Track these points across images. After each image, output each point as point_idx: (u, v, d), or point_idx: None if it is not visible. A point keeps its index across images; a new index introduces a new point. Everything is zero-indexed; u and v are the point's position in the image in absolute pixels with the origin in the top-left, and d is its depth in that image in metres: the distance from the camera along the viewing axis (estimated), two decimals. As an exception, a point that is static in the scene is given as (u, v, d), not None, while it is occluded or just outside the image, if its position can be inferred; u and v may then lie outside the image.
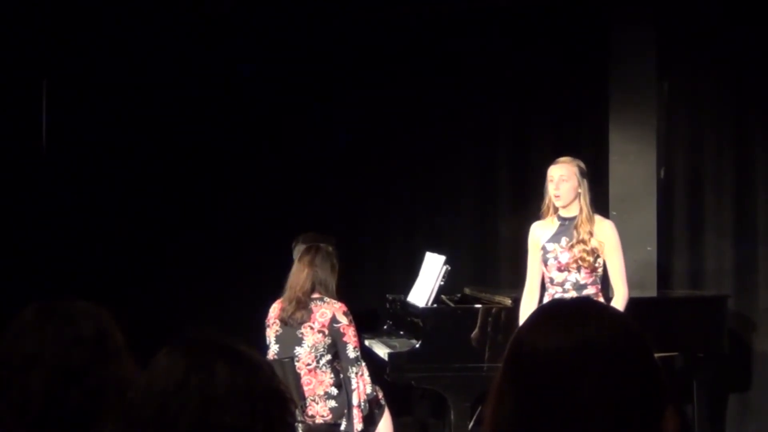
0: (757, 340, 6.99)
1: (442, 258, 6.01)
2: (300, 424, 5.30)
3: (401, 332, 6.41)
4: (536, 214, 5.47)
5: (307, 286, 5.44)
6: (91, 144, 7.46)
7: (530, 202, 6.35)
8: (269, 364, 1.63)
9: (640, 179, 6.90)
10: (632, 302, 5.21)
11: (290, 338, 5.43)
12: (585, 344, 1.46)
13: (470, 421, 5.69)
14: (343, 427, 5.39)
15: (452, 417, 5.71)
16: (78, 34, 7.33)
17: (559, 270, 5.25)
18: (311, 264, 5.48)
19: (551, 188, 5.30)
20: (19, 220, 7.17)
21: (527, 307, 5.31)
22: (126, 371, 2.05)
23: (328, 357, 5.40)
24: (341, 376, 5.41)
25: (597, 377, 1.43)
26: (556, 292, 5.26)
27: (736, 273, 7.04)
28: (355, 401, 5.35)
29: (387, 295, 6.80)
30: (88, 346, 2.06)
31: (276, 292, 5.58)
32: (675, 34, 7.10)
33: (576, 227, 5.24)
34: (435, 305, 5.93)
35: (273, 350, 5.47)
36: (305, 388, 5.37)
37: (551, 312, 1.57)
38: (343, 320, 5.40)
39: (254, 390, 1.53)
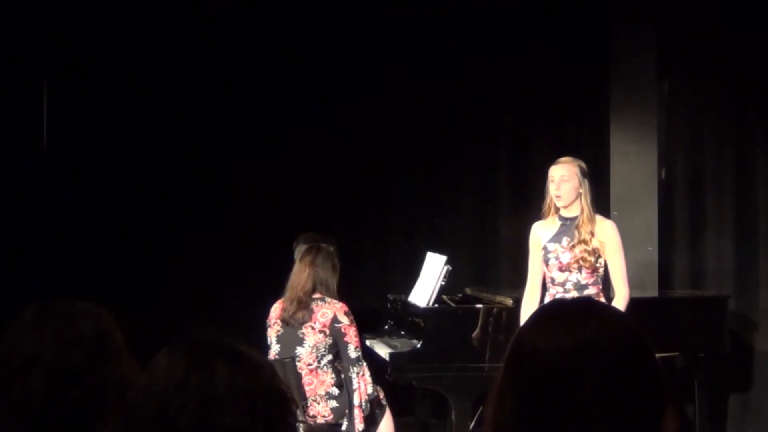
0: (758, 340, 6.99)
1: (443, 258, 6.01)
2: (301, 425, 5.30)
3: (402, 332, 6.40)
4: (537, 214, 5.47)
5: (308, 286, 5.44)
6: (92, 144, 7.47)
7: (531, 202, 6.35)
8: (270, 364, 1.63)
9: (640, 179, 6.90)
10: (633, 302, 5.21)
11: (291, 338, 5.43)
12: (586, 344, 1.46)
13: (471, 421, 5.69)
14: (344, 427, 5.38)
15: (453, 417, 5.71)
16: (78, 34, 7.33)
17: (560, 270, 5.25)
18: (312, 264, 5.48)
19: (552, 188, 5.29)
20: (20, 219, 7.17)
21: (528, 307, 5.31)
22: (126, 371, 2.05)
23: (330, 357, 5.40)
24: (342, 376, 5.40)
25: (598, 377, 1.43)
26: (557, 292, 5.26)
27: (737, 273, 7.04)
28: (356, 401, 5.35)
29: (388, 295, 6.80)
30: (88, 346, 2.06)
31: (277, 292, 5.58)
32: (675, 34, 7.10)
33: (577, 227, 5.24)
34: (436, 305, 5.93)
35: (274, 350, 5.47)
36: (306, 388, 5.37)
37: (552, 312, 1.57)
38: (345, 320, 5.40)
39: (254, 390, 1.53)
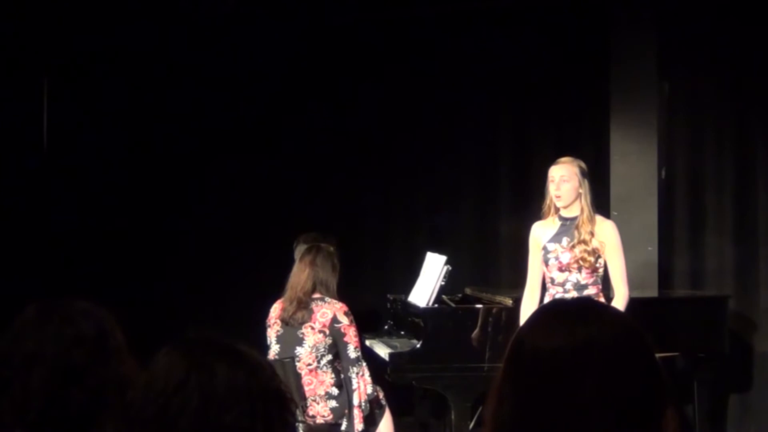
0: (758, 340, 6.99)
1: (443, 258, 6.01)
2: (301, 424, 5.30)
3: (402, 332, 6.40)
4: (537, 214, 5.46)
5: (308, 286, 5.44)
6: (92, 144, 7.47)
7: (531, 202, 6.35)
8: (270, 364, 1.63)
9: (640, 179, 6.90)
10: (633, 302, 5.21)
11: (291, 338, 5.43)
12: (586, 344, 1.46)
13: (471, 422, 5.69)
14: (343, 427, 5.38)
15: (453, 417, 5.71)
16: (78, 34, 7.33)
17: (560, 270, 5.25)
18: (312, 264, 5.48)
19: (552, 189, 5.29)
20: (20, 219, 7.17)
21: (528, 307, 5.31)
22: (126, 371, 2.05)
23: (329, 357, 5.39)
24: (342, 376, 5.40)
25: (598, 377, 1.43)
26: (557, 293, 5.26)
27: (737, 273, 7.04)
28: (355, 401, 5.35)
29: (388, 295, 6.79)
30: (88, 346, 2.06)
31: (276, 292, 5.58)
32: (675, 34, 7.10)
33: (577, 227, 5.24)
34: (436, 305, 5.93)
35: (274, 350, 5.47)
36: (306, 389, 5.37)
37: (552, 312, 1.57)
38: (344, 320, 5.40)
39: (254, 390, 1.53)
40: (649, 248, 6.82)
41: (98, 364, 2.05)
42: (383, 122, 7.61)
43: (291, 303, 5.43)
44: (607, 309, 1.58)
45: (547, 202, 5.34)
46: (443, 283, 5.95)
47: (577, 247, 5.20)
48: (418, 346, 5.72)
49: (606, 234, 5.25)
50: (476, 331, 5.67)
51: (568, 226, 5.27)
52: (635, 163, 6.91)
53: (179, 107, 7.54)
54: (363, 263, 7.44)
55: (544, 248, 5.31)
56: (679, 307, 6.40)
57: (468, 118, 7.59)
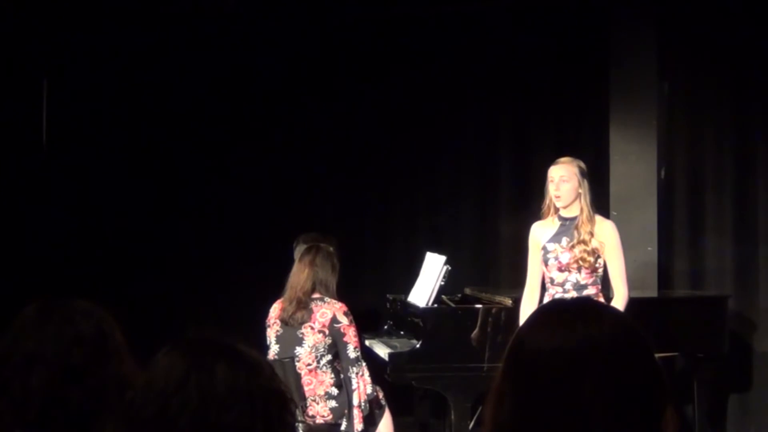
0: (758, 340, 6.99)
1: (443, 258, 6.01)
2: (300, 424, 5.30)
3: (402, 332, 6.40)
4: (537, 214, 5.46)
5: (308, 286, 5.44)
6: (92, 143, 7.47)
7: (530, 202, 6.35)
8: (269, 364, 1.63)
9: (640, 179, 6.90)
10: (633, 302, 5.21)
11: (291, 338, 5.43)
12: (585, 344, 1.46)
13: (471, 422, 5.68)
14: (343, 428, 5.38)
15: (453, 417, 5.71)
16: (78, 34, 7.33)
17: (560, 270, 5.25)
18: (312, 264, 5.48)
19: (552, 189, 5.29)
20: (20, 218, 7.17)
21: (527, 307, 5.31)
22: (126, 371, 2.05)
23: (329, 357, 5.39)
24: (342, 376, 5.40)
25: (597, 377, 1.43)
26: (557, 293, 5.26)
27: (736, 273, 7.04)
28: (355, 401, 5.35)
29: (387, 295, 6.79)
30: (88, 346, 2.06)
31: (276, 292, 5.57)
32: (675, 34, 7.10)
33: (577, 227, 5.24)
34: (435, 305, 5.93)
35: (273, 350, 5.47)
36: (306, 389, 5.37)
37: (551, 312, 1.57)
38: (344, 320, 5.40)
39: (254, 390, 1.53)
40: (649, 248, 6.82)
41: (98, 364, 2.05)
42: (383, 122, 7.60)
43: (291, 303, 5.43)
44: (606, 309, 1.58)
45: (547, 202, 5.34)
46: (443, 283, 5.95)
47: (577, 247, 5.20)
48: (418, 346, 5.72)
49: (606, 234, 5.25)
50: (476, 331, 5.67)
51: (568, 226, 5.27)
52: (635, 163, 6.91)
53: (179, 107, 7.54)
54: (363, 263, 7.44)
55: (544, 248, 5.31)
56: (679, 307, 6.40)
57: (468, 118, 7.59)
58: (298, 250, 5.89)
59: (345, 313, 5.41)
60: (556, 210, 5.32)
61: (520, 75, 7.46)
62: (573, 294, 5.18)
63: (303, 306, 5.40)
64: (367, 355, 5.81)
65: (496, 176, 7.57)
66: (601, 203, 5.96)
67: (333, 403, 5.38)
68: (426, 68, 7.53)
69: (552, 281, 5.29)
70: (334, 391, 5.39)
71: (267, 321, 5.57)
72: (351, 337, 5.39)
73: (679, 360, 6.44)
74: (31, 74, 7.29)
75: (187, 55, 7.54)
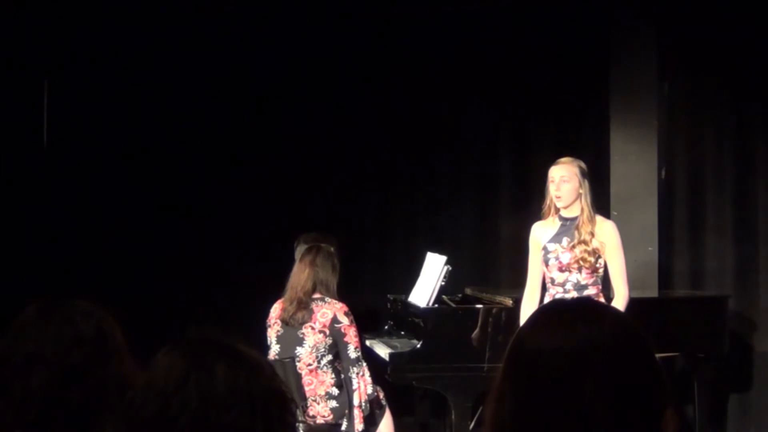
0: (758, 340, 6.99)
1: (443, 258, 6.01)
2: (301, 425, 5.30)
3: (402, 332, 6.40)
4: (537, 214, 5.46)
5: (308, 286, 5.44)
6: (92, 143, 7.47)
7: (531, 202, 6.35)
8: (269, 364, 1.63)
9: (640, 179, 6.90)
10: (633, 302, 5.21)
11: (291, 338, 5.43)
12: (585, 345, 1.46)
13: (471, 422, 5.68)
14: (343, 428, 5.38)
15: (453, 417, 5.71)
16: (78, 34, 7.33)
17: (560, 270, 5.25)
18: (312, 264, 5.48)
19: (552, 189, 5.29)
20: (20, 219, 7.17)
21: (528, 307, 5.31)
22: (126, 371, 2.05)
23: (329, 357, 5.39)
24: (342, 376, 5.40)
25: (597, 377, 1.43)
26: (557, 293, 5.26)
27: (737, 273, 7.04)
28: (356, 401, 5.35)
29: (388, 296, 6.79)
30: (88, 346, 2.06)
31: (277, 292, 5.58)
32: (675, 34, 7.10)
33: (577, 228, 5.24)
34: (436, 305, 5.93)
35: (274, 350, 5.47)
36: (306, 389, 5.37)
37: (552, 312, 1.57)
38: (344, 320, 5.40)
39: (254, 390, 1.53)
40: (649, 248, 6.82)
41: (98, 364, 2.05)
42: (383, 122, 7.60)
43: (291, 303, 5.43)
44: (606, 309, 1.58)
45: (547, 202, 5.34)
46: (443, 283, 5.95)
47: (577, 248, 5.20)
48: (418, 346, 5.72)
49: (606, 234, 5.25)
50: (476, 331, 5.67)
51: (568, 226, 5.27)
52: (635, 163, 6.91)
53: (179, 107, 7.53)
54: (363, 263, 7.44)
55: (544, 248, 5.31)
56: (679, 307, 6.40)
57: (468, 118, 7.59)
58: (299, 250, 5.89)
59: (346, 313, 5.41)
60: (557, 210, 5.32)
61: (520, 75, 7.46)
62: (573, 294, 5.18)
63: (304, 306, 5.40)
64: (368, 355, 5.81)
65: (496, 176, 7.57)
66: (601, 203, 5.96)
67: (333, 403, 5.38)
68: (426, 68, 7.53)
69: (552, 281, 5.29)
70: (335, 391, 5.39)
71: (267, 321, 5.57)
72: (351, 337, 5.39)
73: (679, 360, 6.44)
74: (31, 74, 7.29)
75: (187, 55, 7.54)
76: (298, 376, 5.36)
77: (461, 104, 7.57)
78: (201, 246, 7.52)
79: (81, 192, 7.44)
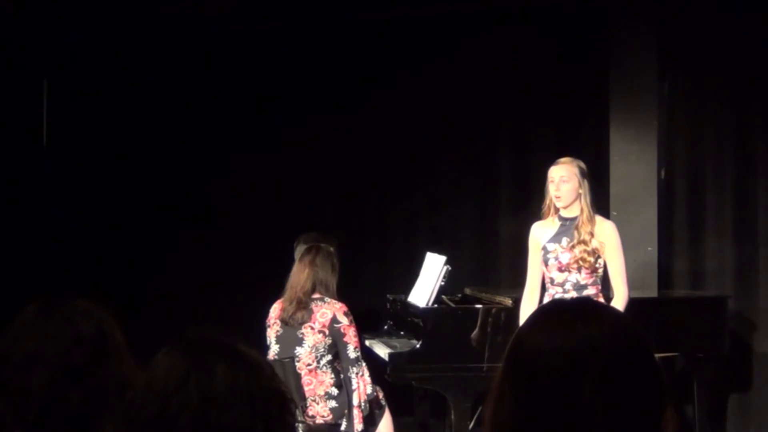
0: (757, 340, 6.99)
1: (443, 258, 6.01)
2: (300, 425, 5.30)
3: (402, 332, 6.40)
4: (537, 214, 5.46)
5: (308, 286, 5.44)
6: (92, 143, 7.47)
7: (531, 202, 6.35)
8: (269, 364, 1.63)
9: (640, 179, 6.90)
10: (633, 302, 5.21)
11: (291, 338, 5.43)
12: (585, 344, 1.46)
13: (471, 422, 5.69)
14: (343, 428, 5.38)
15: (453, 417, 5.71)
16: (78, 34, 7.33)
17: (560, 270, 5.25)
18: (312, 264, 5.48)
19: (552, 189, 5.29)
20: (20, 218, 7.17)
21: (527, 307, 5.31)
22: (126, 371, 2.05)
23: (329, 357, 5.39)
24: (342, 376, 5.40)
25: (597, 377, 1.43)
26: (557, 293, 5.26)
27: (737, 273, 7.04)
28: (355, 401, 5.35)
29: (387, 296, 6.79)
30: (88, 346, 2.06)
31: (276, 292, 5.58)
32: (675, 34, 7.10)
33: (577, 228, 5.24)
34: (435, 305, 5.93)
35: (273, 350, 5.47)
36: (306, 389, 5.37)
37: (551, 312, 1.57)
38: (344, 320, 5.40)
39: (254, 390, 1.53)
40: (649, 248, 6.82)
41: (98, 364, 2.05)
42: (383, 122, 7.60)
43: (291, 303, 5.43)
44: (606, 309, 1.58)
45: (547, 202, 5.34)
46: (443, 283, 5.95)
47: (577, 248, 5.20)
48: (418, 346, 5.72)
49: (606, 234, 5.25)
50: (476, 331, 5.67)
51: (568, 226, 5.27)
52: (635, 163, 6.91)
53: (179, 107, 7.53)
54: (363, 263, 7.44)
55: (544, 248, 5.31)
56: (679, 307, 6.40)
57: (468, 118, 7.58)
58: (299, 250, 5.89)
59: (345, 313, 5.41)
60: (557, 210, 5.32)
61: (520, 75, 7.46)
62: (573, 294, 5.18)
63: (303, 306, 5.40)
64: (367, 355, 5.81)
65: (496, 176, 7.57)
66: (601, 203, 5.96)
67: (333, 403, 5.38)
68: (426, 68, 7.53)
69: (552, 281, 5.29)
70: (334, 391, 5.39)
71: (267, 321, 5.57)
72: (351, 337, 5.39)
73: (679, 360, 6.44)
74: (31, 74, 7.29)
75: (187, 55, 7.54)
76: (298, 376, 5.36)
77: (461, 104, 7.57)
78: (201, 246, 7.52)
79: (81, 192, 7.44)
